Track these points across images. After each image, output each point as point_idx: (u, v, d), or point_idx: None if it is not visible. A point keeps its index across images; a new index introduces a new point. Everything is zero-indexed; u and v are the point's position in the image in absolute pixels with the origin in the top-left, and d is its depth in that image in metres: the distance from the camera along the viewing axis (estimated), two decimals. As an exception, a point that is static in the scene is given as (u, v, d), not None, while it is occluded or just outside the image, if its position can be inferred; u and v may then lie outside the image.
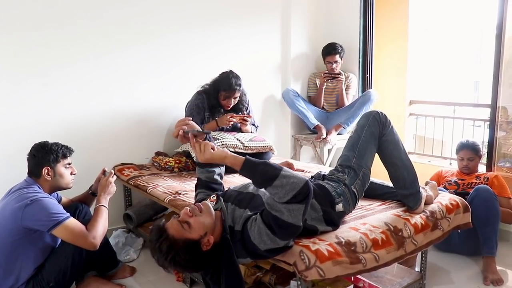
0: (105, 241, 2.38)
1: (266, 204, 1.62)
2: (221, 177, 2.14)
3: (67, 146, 2.21)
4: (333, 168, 2.14)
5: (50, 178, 2.13)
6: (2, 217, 2.03)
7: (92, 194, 2.47)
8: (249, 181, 1.83)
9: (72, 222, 2.03)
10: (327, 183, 1.99)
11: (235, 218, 1.76)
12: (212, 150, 1.70)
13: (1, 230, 2.01)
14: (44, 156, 2.11)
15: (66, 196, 2.44)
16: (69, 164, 2.21)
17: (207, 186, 2.08)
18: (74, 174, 2.25)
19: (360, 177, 2.03)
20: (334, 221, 1.87)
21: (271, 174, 1.56)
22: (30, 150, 2.16)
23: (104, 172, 2.38)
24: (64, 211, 2.05)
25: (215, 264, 1.72)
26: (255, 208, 1.75)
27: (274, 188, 1.56)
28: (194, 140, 1.75)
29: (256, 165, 1.62)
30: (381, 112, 2.13)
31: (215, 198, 1.86)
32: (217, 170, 2.10)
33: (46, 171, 2.12)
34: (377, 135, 2.09)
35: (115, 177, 2.35)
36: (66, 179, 2.20)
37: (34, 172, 2.13)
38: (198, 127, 1.99)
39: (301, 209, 1.57)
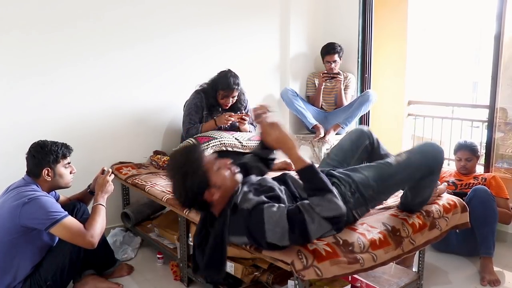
0: (103, 239, 2.38)
1: (303, 207, 1.60)
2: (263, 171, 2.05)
3: (66, 145, 2.20)
4: (345, 172, 1.97)
5: (50, 179, 2.13)
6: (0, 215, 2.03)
7: (90, 193, 2.46)
8: (267, 176, 1.87)
9: (70, 220, 2.02)
10: None
11: (244, 199, 1.73)
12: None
13: None
14: (44, 157, 2.10)
15: (64, 194, 2.43)
16: (69, 163, 2.21)
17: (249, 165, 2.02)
18: (74, 173, 2.25)
19: (368, 207, 1.96)
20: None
21: (327, 187, 1.62)
22: (29, 150, 2.15)
23: (103, 171, 2.38)
24: (62, 210, 2.05)
25: (205, 232, 1.78)
26: (270, 199, 1.73)
27: (322, 200, 1.59)
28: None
29: (317, 172, 1.66)
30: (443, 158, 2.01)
31: None
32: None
33: (46, 172, 2.11)
34: (418, 178, 1.94)
35: (112, 176, 2.35)
36: (66, 178, 2.19)
37: (34, 172, 2.12)
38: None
39: (326, 229, 1.63)
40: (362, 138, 2.18)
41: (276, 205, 1.67)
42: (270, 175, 2.02)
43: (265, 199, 1.71)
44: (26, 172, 2.15)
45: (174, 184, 1.72)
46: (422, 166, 1.92)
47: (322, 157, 3.67)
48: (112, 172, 2.45)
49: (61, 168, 2.15)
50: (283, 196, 1.81)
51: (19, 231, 1.99)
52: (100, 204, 2.20)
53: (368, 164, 2.05)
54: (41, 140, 2.16)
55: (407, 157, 1.93)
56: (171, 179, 1.74)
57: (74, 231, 2.01)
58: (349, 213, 1.86)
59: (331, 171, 2.01)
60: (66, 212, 2.05)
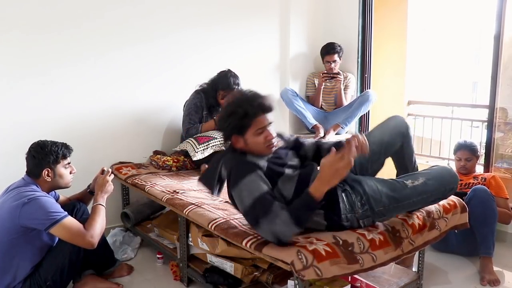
0: (103, 240, 2.38)
1: (276, 208, 1.64)
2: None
3: (66, 145, 2.19)
4: (358, 178, 1.92)
5: (50, 179, 2.13)
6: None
7: (90, 193, 2.46)
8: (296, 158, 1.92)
9: (70, 220, 2.02)
10: (343, 200, 1.85)
11: (257, 158, 1.82)
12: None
13: None
14: (44, 158, 2.10)
15: (63, 194, 2.43)
16: (69, 163, 2.20)
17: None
18: (74, 173, 2.24)
19: (374, 220, 1.91)
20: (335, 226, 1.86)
21: (302, 223, 1.65)
22: (29, 150, 2.14)
23: (102, 171, 2.38)
24: (62, 210, 2.04)
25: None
26: (272, 171, 1.81)
27: (290, 223, 1.62)
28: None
29: (313, 211, 1.70)
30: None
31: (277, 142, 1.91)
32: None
33: (46, 172, 2.11)
34: (429, 202, 2.00)
35: (112, 176, 2.35)
36: (66, 179, 2.19)
37: (34, 172, 2.12)
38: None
39: (263, 235, 1.71)
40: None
41: (265, 182, 1.71)
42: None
43: (263, 168, 1.77)
44: (26, 172, 2.15)
45: (227, 106, 1.83)
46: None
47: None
48: (112, 172, 2.44)
49: (61, 168, 2.15)
50: (287, 177, 1.82)
51: (19, 231, 1.99)
52: (100, 204, 2.20)
53: (383, 179, 1.97)
54: (41, 140, 2.16)
55: (424, 182, 1.91)
56: (229, 101, 1.84)
57: (74, 232, 2.01)
58: (353, 220, 1.86)
59: None
60: (66, 213, 2.04)
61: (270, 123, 1.83)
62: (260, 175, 1.73)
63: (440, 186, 1.95)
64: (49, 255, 2.12)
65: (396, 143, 2.04)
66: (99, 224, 2.11)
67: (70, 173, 2.22)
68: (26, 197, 1.98)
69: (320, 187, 1.63)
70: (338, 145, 1.96)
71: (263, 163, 1.80)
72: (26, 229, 1.99)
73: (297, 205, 1.66)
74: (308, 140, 2.11)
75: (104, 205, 2.22)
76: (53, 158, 2.11)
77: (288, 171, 1.85)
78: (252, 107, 1.78)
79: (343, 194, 1.86)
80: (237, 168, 1.79)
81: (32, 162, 2.12)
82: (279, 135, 2.00)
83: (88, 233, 2.04)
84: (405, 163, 2.14)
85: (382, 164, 2.10)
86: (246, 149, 1.84)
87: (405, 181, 1.91)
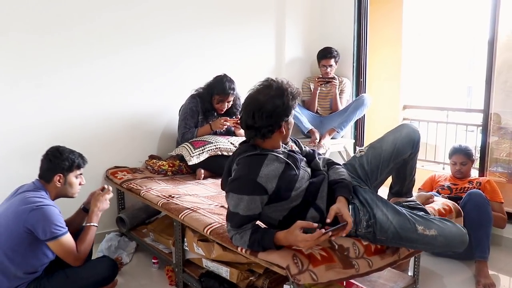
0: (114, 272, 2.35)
1: (250, 227, 1.75)
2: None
3: (82, 156, 2.20)
4: (372, 199, 1.89)
5: (60, 185, 2.12)
6: (5, 216, 2.01)
7: (84, 210, 2.37)
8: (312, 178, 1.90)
9: (68, 239, 2.03)
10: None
11: (271, 159, 1.81)
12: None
13: (1, 230, 1.99)
14: (60, 163, 2.10)
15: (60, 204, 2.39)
16: (80, 174, 2.21)
17: None
18: (82, 184, 2.23)
19: (371, 243, 1.88)
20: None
21: (255, 249, 1.75)
22: (46, 153, 2.14)
23: (103, 189, 2.34)
24: (64, 224, 2.05)
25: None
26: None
27: (249, 241, 1.73)
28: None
29: (264, 249, 1.74)
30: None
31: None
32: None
33: (58, 178, 2.11)
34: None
35: (111, 194, 2.33)
36: (74, 188, 2.19)
37: (46, 176, 2.12)
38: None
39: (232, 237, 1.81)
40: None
41: (252, 208, 1.72)
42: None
43: (268, 191, 1.75)
44: (38, 175, 2.14)
45: (261, 98, 1.77)
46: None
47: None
48: (107, 176, 2.43)
49: (72, 177, 2.15)
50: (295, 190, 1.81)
51: (22, 234, 1.96)
52: (94, 225, 2.20)
53: (397, 207, 1.91)
54: (59, 146, 2.16)
55: (434, 236, 1.85)
56: (263, 91, 1.79)
57: (67, 250, 2.03)
58: (352, 234, 1.85)
59: (358, 187, 1.93)
60: (67, 228, 2.05)
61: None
62: (254, 200, 1.72)
63: (445, 246, 1.92)
64: (68, 273, 2.10)
65: (407, 151, 1.99)
66: (88, 245, 2.14)
67: (79, 184, 2.22)
68: (34, 203, 1.97)
69: (283, 241, 1.68)
70: (335, 184, 1.88)
71: (271, 184, 1.74)
72: (29, 234, 1.98)
73: (259, 237, 1.71)
74: (321, 158, 2.07)
75: (97, 225, 2.22)
76: (68, 165, 2.12)
77: (302, 173, 1.85)
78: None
79: (350, 207, 1.79)
80: (240, 180, 1.76)
81: (46, 166, 2.12)
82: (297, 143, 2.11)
83: (79, 255, 2.07)
84: (405, 173, 2.10)
85: (390, 172, 2.05)
86: (272, 141, 1.85)
87: (417, 225, 1.84)
